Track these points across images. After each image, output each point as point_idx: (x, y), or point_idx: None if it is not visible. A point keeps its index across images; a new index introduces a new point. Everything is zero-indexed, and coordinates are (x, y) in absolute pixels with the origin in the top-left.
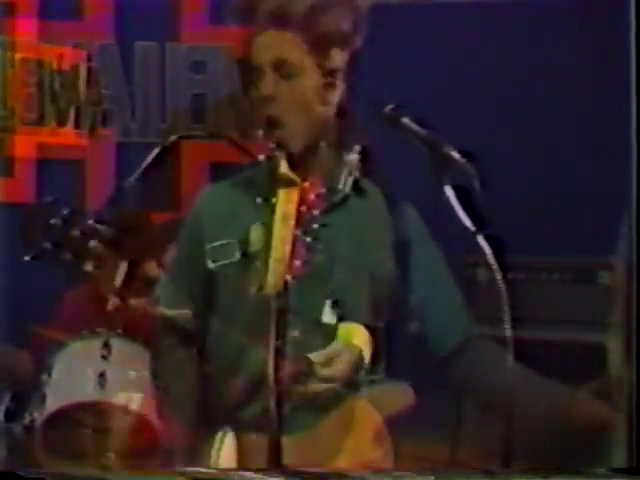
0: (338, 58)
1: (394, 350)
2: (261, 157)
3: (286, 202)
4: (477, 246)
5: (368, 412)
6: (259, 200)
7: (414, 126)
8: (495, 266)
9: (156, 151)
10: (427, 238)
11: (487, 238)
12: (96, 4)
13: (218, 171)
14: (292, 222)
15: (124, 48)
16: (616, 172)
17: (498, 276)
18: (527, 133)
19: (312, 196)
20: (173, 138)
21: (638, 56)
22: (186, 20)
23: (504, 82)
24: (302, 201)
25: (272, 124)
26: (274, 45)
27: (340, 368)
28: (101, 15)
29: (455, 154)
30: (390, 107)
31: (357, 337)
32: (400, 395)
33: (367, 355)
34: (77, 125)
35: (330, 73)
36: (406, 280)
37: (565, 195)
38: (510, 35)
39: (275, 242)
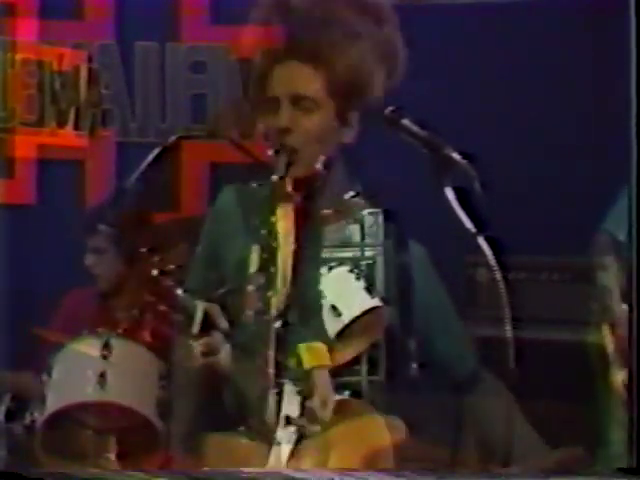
0: (358, 104)
1: (394, 387)
2: (274, 178)
3: (284, 219)
4: (477, 247)
5: (376, 430)
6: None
7: (415, 128)
8: (495, 267)
9: (156, 151)
10: (432, 278)
11: (487, 239)
12: (96, 4)
13: (218, 171)
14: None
15: (124, 48)
16: (616, 172)
17: (498, 276)
18: (527, 134)
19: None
20: (173, 138)
21: (638, 56)
22: (186, 20)
23: (504, 83)
24: (299, 217)
25: (286, 152)
26: (294, 78)
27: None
28: (101, 15)
29: (456, 155)
30: (390, 109)
31: (325, 356)
32: (392, 429)
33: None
34: (77, 126)
35: (346, 114)
36: (408, 321)
37: (565, 195)
38: (510, 36)
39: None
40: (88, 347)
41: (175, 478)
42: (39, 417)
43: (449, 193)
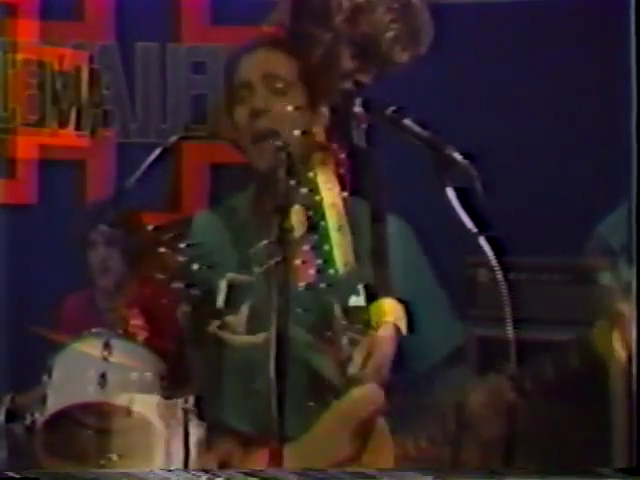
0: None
1: None
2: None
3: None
4: (479, 247)
5: (362, 410)
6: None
7: (416, 128)
8: (496, 267)
9: (157, 152)
10: (415, 251)
11: (488, 239)
12: (97, 5)
13: (218, 171)
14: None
15: (125, 49)
16: (617, 172)
17: (499, 277)
18: (528, 134)
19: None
20: (173, 139)
21: (638, 55)
22: (186, 20)
23: (505, 83)
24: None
25: (267, 136)
26: (265, 62)
27: (375, 365)
28: (102, 16)
29: (457, 156)
30: (392, 109)
31: (389, 314)
32: (371, 396)
33: (403, 326)
34: (78, 126)
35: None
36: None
37: (565, 196)
38: (511, 36)
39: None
40: (88, 348)
41: (175, 478)
42: (39, 417)
43: (450, 193)
